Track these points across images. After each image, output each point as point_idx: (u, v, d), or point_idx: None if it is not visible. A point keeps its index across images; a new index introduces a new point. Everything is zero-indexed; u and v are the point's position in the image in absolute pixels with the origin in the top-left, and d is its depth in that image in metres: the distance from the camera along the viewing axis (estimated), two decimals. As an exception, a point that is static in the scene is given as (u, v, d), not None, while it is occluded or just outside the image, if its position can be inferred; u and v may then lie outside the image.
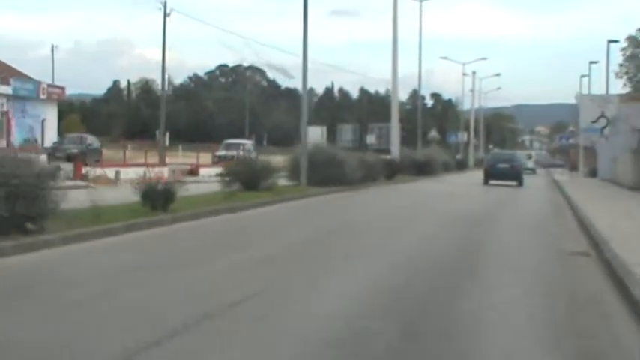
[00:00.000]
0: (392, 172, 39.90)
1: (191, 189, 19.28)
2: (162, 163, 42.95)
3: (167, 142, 52.70)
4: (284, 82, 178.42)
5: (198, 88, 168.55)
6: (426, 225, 18.23)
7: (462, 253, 13.36)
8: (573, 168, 78.31)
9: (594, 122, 53.08)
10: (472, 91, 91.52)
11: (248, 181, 23.84)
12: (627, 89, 45.34)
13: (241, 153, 44.78)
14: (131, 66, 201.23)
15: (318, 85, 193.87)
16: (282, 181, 29.24)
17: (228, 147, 54.41)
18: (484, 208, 24.80)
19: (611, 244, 12.77)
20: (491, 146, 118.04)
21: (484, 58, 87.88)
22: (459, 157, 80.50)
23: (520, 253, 13.76)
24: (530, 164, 73.75)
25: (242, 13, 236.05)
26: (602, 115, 53.11)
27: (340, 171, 29.48)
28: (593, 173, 56.89)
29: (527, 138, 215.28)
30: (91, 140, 45.66)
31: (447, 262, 12.09)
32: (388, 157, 43.48)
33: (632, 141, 37.65)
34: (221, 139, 66.11)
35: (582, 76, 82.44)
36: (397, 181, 40.08)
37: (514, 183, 39.55)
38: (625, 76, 43.97)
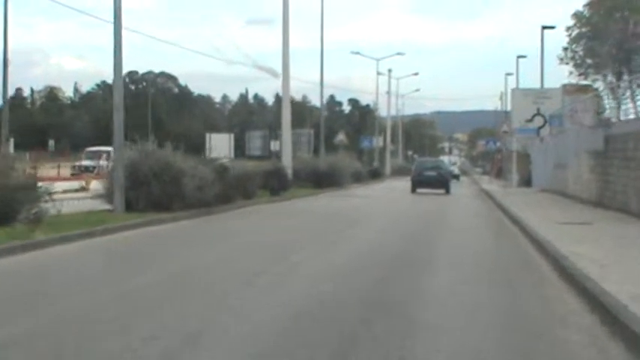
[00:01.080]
0: (280, 185, 29.68)
1: None
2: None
3: (11, 149, 41.45)
4: (196, 90, 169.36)
5: (105, 95, 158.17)
6: (281, 293, 8.03)
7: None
8: (498, 175, 69.56)
9: (529, 121, 43.69)
10: (388, 93, 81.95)
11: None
12: (574, 79, 36.39)
13: (103, 163, 34.16)
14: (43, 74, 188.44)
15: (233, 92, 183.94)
16: (97, 205, 18.82)
17: (92, 155, 43.43)
18: (399, 243, 14.80)
19: None
20: (410, 152, 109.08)
21: (400, 53, 78.60)
22: (376, 164, 71.16)
23: None
24: (455, 171, 65.20)
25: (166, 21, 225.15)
26: (538, 113, 43.77)
27: (176, 188, 18.92)
28: (527, 182, 47.53)
29: (446, 145, 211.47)
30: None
31: None
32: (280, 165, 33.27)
33: (588, 142, 28.23)
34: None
35: (508, 74, 73.86)
36: (287, 196, 29.91)
37: (441, 191, 38.19)
38: (571, 62, 34.75)
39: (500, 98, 77.12)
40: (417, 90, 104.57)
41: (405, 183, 55.44)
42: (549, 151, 39.07)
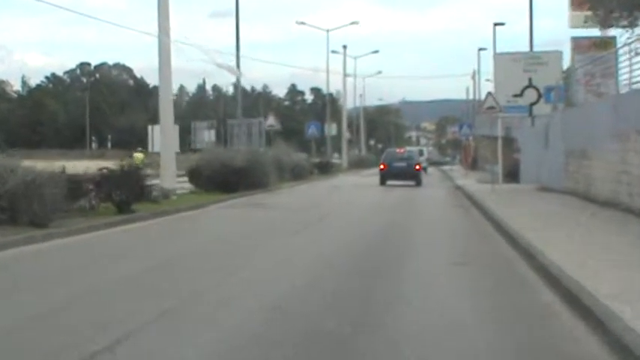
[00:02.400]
0: (134, 194, 17.57)
1: None
2: None
3: None
4: (155, 82, 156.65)
5: (56, 88, 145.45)
6: None
7: None
8: (473, 166, 57.95)
9: (518, 96, 32.04)
10: (344, 73, 70.00)
11: None
12: (589, 30, 24.80)
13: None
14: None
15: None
16: None
17: None
18: None
19: None
20: (372, 142, 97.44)
21: (355, 22, 66.43)
22: (336, 156, 59.45)
23: None
24: (423, 163, 53.69)
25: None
26: (530, 85, 32.14)
27: None
28: (512, 175, 35.63)
29: (413, 134, 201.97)
30: None
31: None
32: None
33: (622, 119, 16.67)
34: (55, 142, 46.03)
35: (481, 49, 62.31)
36: (155, 209, 18.07)
37: (411, 183, 35.88)
38: (589, 9, 22.95)
39: (473, 77, 65.52)
40: (380, 72, 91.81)
41: (362, 179, 43.68)
42: (555, 134, 27.26)
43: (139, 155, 40.80)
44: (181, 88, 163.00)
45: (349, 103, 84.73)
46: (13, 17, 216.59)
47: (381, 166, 37.35)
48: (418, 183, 35.87)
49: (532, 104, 32.09)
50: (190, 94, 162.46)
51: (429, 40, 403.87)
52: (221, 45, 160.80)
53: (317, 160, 49.12)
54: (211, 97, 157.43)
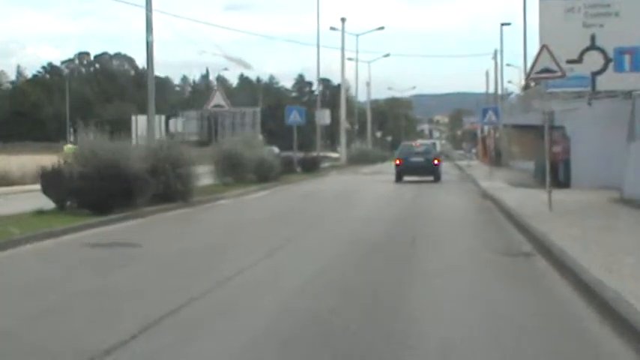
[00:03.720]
0: None
1: None
2: None
3: None
4: (158, 72, 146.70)
5: (53, 78, 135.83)
6: None
7: None
8: (494, 162, 47.18)
9: (574, 62, 21.16)
10: (342, 48, 59.50)
11: None
12: None
13: None
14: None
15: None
16: None
17: None
18: None
19: None
20: (378, 134, 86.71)
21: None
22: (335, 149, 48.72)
23: None
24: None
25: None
26: (594, 46, 21.33)
27: None
28: (554, 176, 24.34)
29: (425, 127, 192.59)
30: None
31: None
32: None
33: None
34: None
35: (504, 24, 51.37)
36: None
37: (429, 178, 32.38)
38: None
39: (495, 57, 54.37)
40: (388, 55, 79.42)
41: (355, 181, 33.19)
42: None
43: (69, 148, 33.09)
44: (184, 78, 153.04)
45: (360, 96, 75.03)
46: (29, 11, 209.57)
47: (397, 161, 34.45)
48: (437, 178, 32.80)
49: (596, 73, 21.27)
50: (193, 84, 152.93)
51: (438, 33, 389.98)
52: (234, 38, 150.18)
53: (303, 155, 38.26)
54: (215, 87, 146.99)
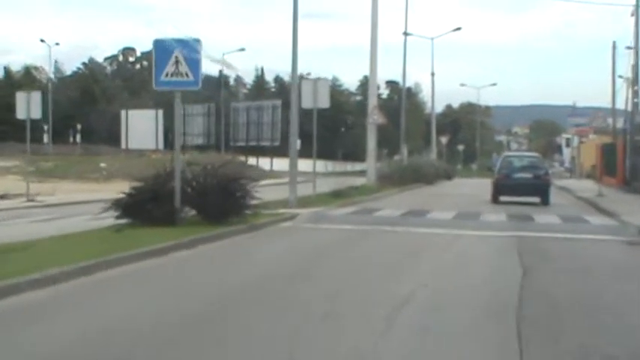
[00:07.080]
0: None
1: None
2: None
3: None
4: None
5: (94, 74, 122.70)
6: None
7: None
8: (622, 182, 29.50)
9: None
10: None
11: None
12: None
13: None
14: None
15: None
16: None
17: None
18: None
19: None
20: (444, 140, 68.79)
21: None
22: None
23: None
24: None
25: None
26: None
27: None
28: None
29: (503, 138, 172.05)
30: None
31: None
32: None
33: None
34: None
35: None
36: None
37: (535, 199, 27.08)
38: None
39: (634, 13, 35.51)
40: (459, 29, 60.59)
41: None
42: None
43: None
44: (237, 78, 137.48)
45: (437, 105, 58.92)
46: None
47: (497, 177, 28.69)
48: (545, 202, 26.90)
49: None
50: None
51: (520, 44, 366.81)
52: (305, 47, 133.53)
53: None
54: (274, 89, 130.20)
